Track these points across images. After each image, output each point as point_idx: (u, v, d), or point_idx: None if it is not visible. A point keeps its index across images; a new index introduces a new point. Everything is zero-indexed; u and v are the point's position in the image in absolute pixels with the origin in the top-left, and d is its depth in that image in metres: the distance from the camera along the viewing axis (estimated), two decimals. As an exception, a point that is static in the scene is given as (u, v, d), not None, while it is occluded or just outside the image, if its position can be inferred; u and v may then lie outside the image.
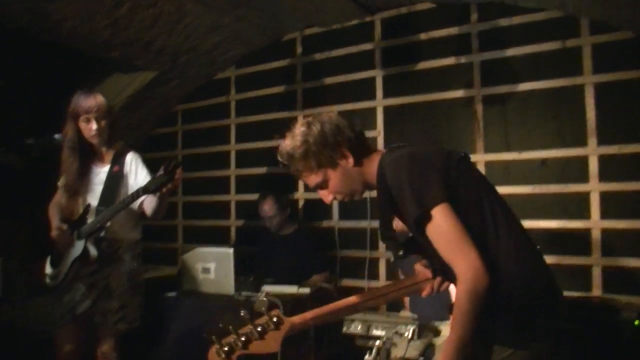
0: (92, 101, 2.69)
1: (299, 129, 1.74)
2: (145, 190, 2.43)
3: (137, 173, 2.81)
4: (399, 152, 1.65)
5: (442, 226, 1.49)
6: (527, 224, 3.42)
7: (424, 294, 1.87)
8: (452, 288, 1.64)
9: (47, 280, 2.80)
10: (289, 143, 1.74)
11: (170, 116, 5.34)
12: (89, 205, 2.70)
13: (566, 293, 3.15)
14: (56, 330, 2.74)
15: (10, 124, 3.84)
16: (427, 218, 1.50)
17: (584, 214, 3.34)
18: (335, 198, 1.78)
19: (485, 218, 1.56)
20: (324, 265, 3.94)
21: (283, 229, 4.05)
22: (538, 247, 2.91)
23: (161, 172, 2.38)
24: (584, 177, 3.35)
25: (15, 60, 4.01)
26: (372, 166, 1.72)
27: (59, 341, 2.73)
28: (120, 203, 2.57)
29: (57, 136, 2.71)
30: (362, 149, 1.75)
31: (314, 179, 1.75)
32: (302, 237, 4.02)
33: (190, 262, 3.26)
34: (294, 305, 3.05)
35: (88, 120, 2.69)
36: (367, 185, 1.77)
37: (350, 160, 1.72)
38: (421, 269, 1.89)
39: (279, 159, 1.78)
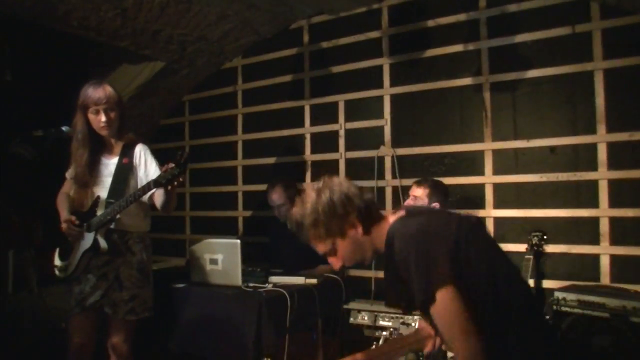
0: (101, 92, 2.67)
1: (309, 196, 1.74)
2: (156, 183, 2.41)
3: (146, 165, 2.80)
4: (408, 225, 1.64)
5: (444, 310, 1.51)
6: (536, 212, 3.45)
7: (426, 350, 1.91)
8: None
9: (57, 272, 2.81)
10: (299, 211, 1.75)
11: (177, 106, 5.34)
12: (98, 197, 2.69)
13: (575, 282, 3.18)
14: (67, 321, 2.76)
15: (20, 115, 3.85)
16: (431, 300, 1.52)
17: (593, 202, 3.31)
18: (344, 265, 1.79)
19: (499, 284, 1.57)
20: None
21: (291, 219, 4.04)
22: (545, 236, 2.91)
23: (172, 164, 2.35)
24: (593, 165, 3.32)
25: (25, 52, 4.02)
26: (381, 234, 1.71)
27: (70, 333, 2.74)
28: (131, 196, 2.57)
29: (65, 128, 2.71)
30: (371, 218, 1.75)
31: (322, 247, 1.76)
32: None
33: (198, 253, 3.26)
34: (300, 296, 3.06)
35: (97, 112, 2.68)
36: (376, 253, 1.78)
37: (360, 230, 1.72)
38: (424, 325, 1.92)
39: (289, 226, 1.78)
